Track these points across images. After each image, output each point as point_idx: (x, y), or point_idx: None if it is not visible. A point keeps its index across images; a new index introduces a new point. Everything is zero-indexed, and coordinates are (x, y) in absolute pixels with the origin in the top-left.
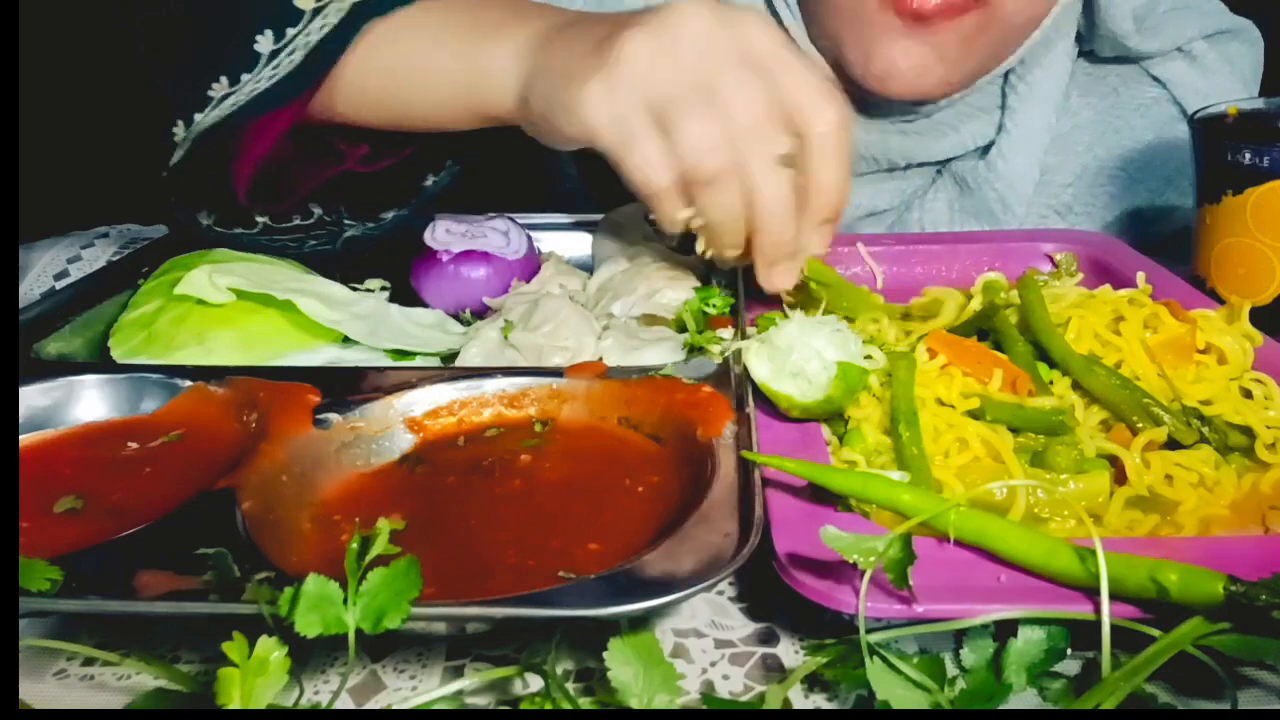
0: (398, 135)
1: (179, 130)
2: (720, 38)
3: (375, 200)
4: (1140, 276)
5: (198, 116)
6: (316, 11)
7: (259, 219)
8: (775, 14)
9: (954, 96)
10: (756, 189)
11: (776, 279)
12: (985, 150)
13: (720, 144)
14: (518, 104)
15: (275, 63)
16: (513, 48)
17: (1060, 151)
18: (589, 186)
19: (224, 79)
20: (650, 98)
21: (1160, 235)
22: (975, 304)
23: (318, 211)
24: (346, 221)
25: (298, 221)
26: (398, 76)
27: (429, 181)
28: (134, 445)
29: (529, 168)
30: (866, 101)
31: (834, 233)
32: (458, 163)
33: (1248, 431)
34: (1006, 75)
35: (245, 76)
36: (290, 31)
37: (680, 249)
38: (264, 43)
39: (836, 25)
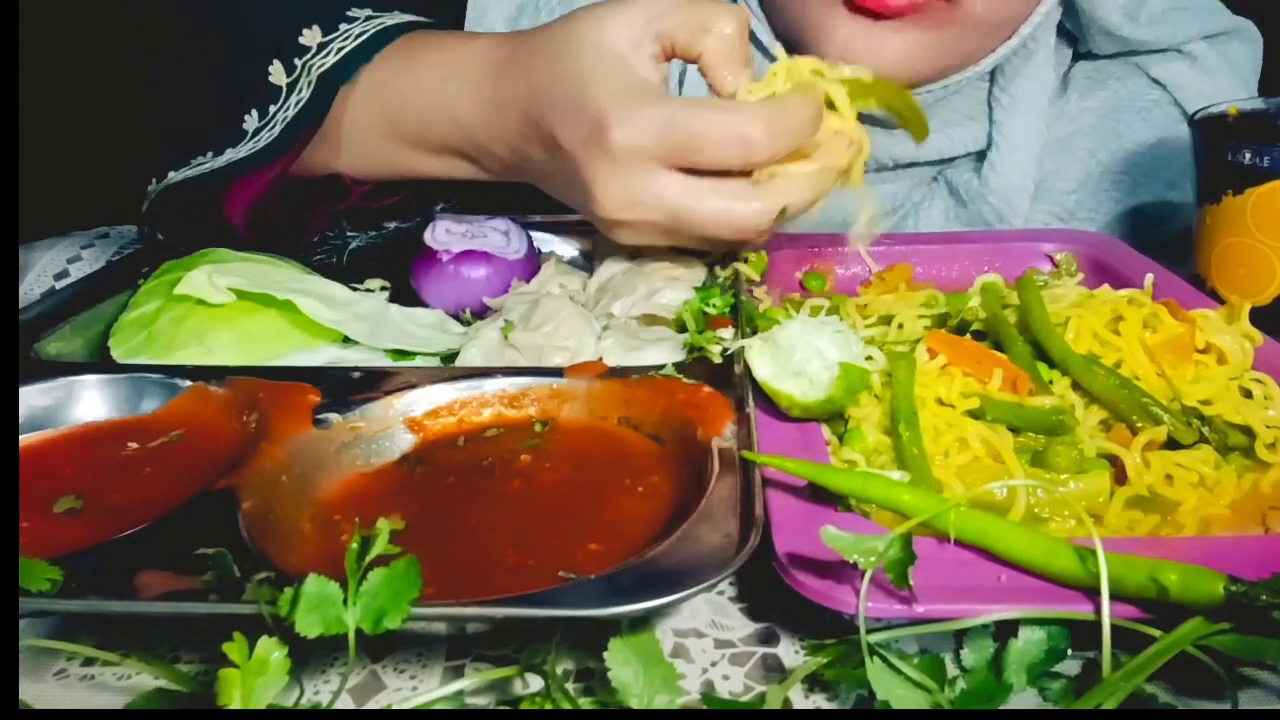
0: None
1: (152, 186)
2: (660, 134)
3: (378, 222)
4: (1148, 279)
5: (172, 174)
6: (291, 87)
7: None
8: None
9: (932, 88)
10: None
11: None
12: (978, 157)
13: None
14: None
15: (256, 138)
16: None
17: (1062, 157)
18: None
19: (210, 154)
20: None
21: (1163, 236)
22: (975, 305)
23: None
24: (349, 234)
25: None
26: (391, 149)
27: (439, 207)
28: (134, 445)
29: None
30: None
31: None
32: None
33: (1248, 431)
34: (990, 86)
35: (230, 151)
36: (272, 109)
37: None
38: (250, 121)
39: (795, 16)
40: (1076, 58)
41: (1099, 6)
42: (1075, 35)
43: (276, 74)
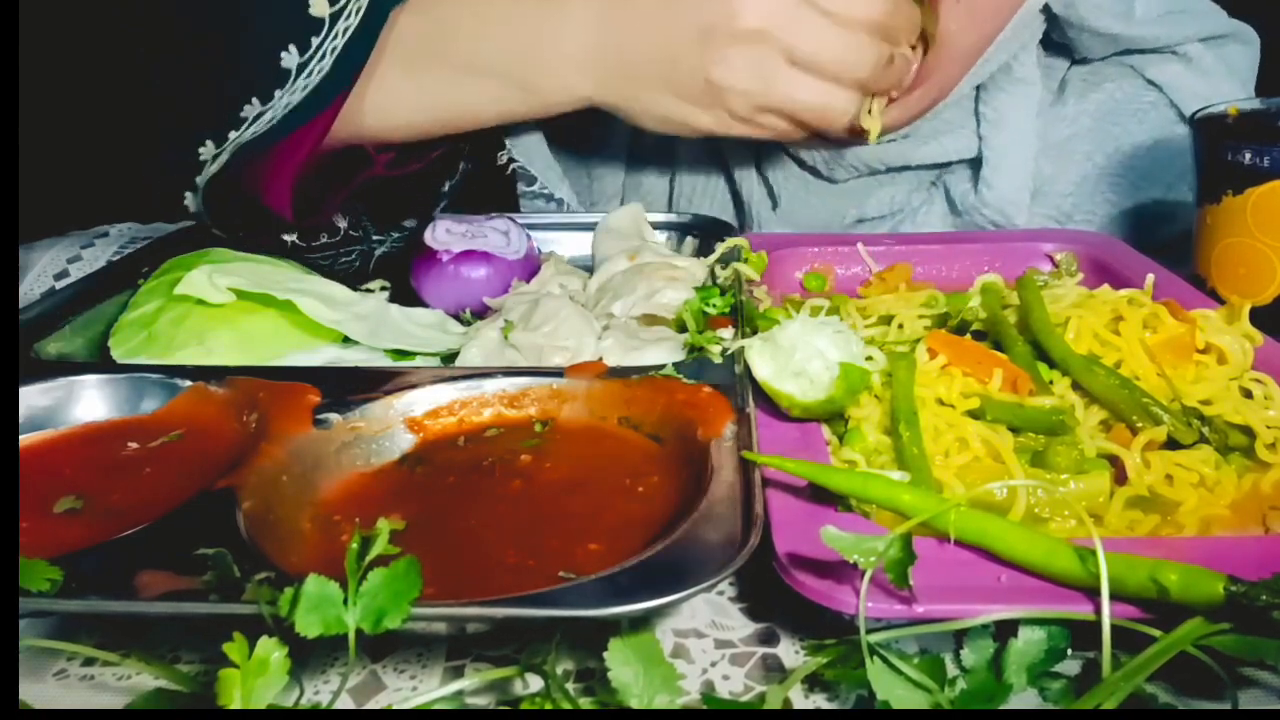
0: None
1: (206, 149)
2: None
3: (397, 207)
4: (1149, 279)
5: (232, 134)
6: (335, 16)
7: (286, 237)
8: None
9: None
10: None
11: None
12: (974, 165)
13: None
14: (584, 96)
15: (307, 72)
16: (575, 39)
17: (1059, 160)
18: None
19: (255, 100)
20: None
21: (1161, 238)
22: (974, 305)
23: (343, 225)
24: (375, 237)
25: (325, 239)
26: (435, 80)
27: (445, 187)
28: (134, 445)
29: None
30: None
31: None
32: (469, 161)
33: (1248, 432)
34: (976, 99)
35: (278, 93)
36: (315, 40)
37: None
38: (289, 59)
39: None
40: (1073, 63)
41: (1083, 15)
42: (1063, 42)
43: (317, 5)
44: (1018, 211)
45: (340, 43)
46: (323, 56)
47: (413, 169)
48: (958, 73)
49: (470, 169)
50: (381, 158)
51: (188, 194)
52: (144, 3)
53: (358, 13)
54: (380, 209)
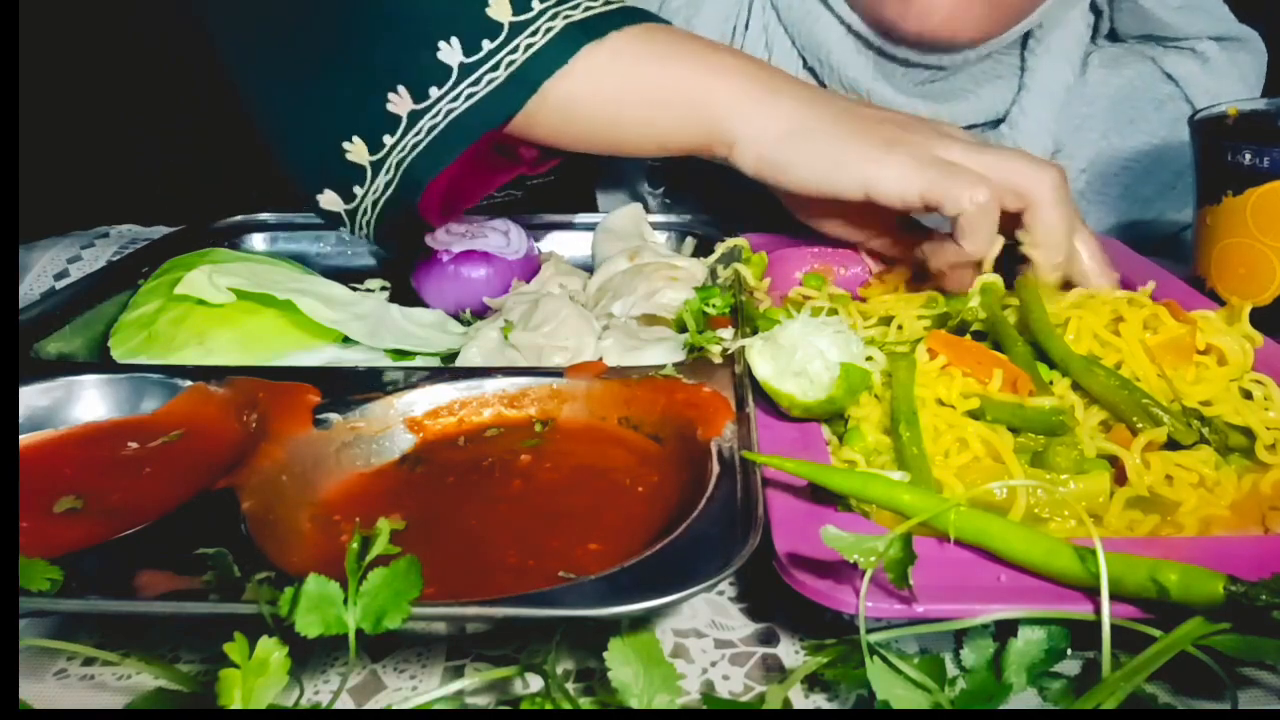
0: None
1: (355, 148)
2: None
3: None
4: (1150, 283)
5: (387, 138)
6: (518, 27)
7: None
8: None
9: (980, 49)
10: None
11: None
12: (1003, 120)
13: (1044, 166)
14: (755, 148)
15: (473, 79)
16: (752, 88)
17: (1077, 130)
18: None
19: (403, 90)
20: (951, 159)
21: (1174, 226)
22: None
23: None
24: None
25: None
26: (611, 106)
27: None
28: (134, 445)
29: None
30: (891, 65)
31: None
32: None
33: (1248, 433)
34: (1025, 41)
35: (434, 91)
36: (487, 45)
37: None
38: (449, 53)
39: None
40: (1096, 43)
41: None
42: (1100, 8)
43: (497, 8)
44: (1046, 139)
45: (520, 58)
46: (495, 67)
47: (554, 164)
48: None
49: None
50: (527, 154)
51: (327, 192)
52: None
53: (548, 32)
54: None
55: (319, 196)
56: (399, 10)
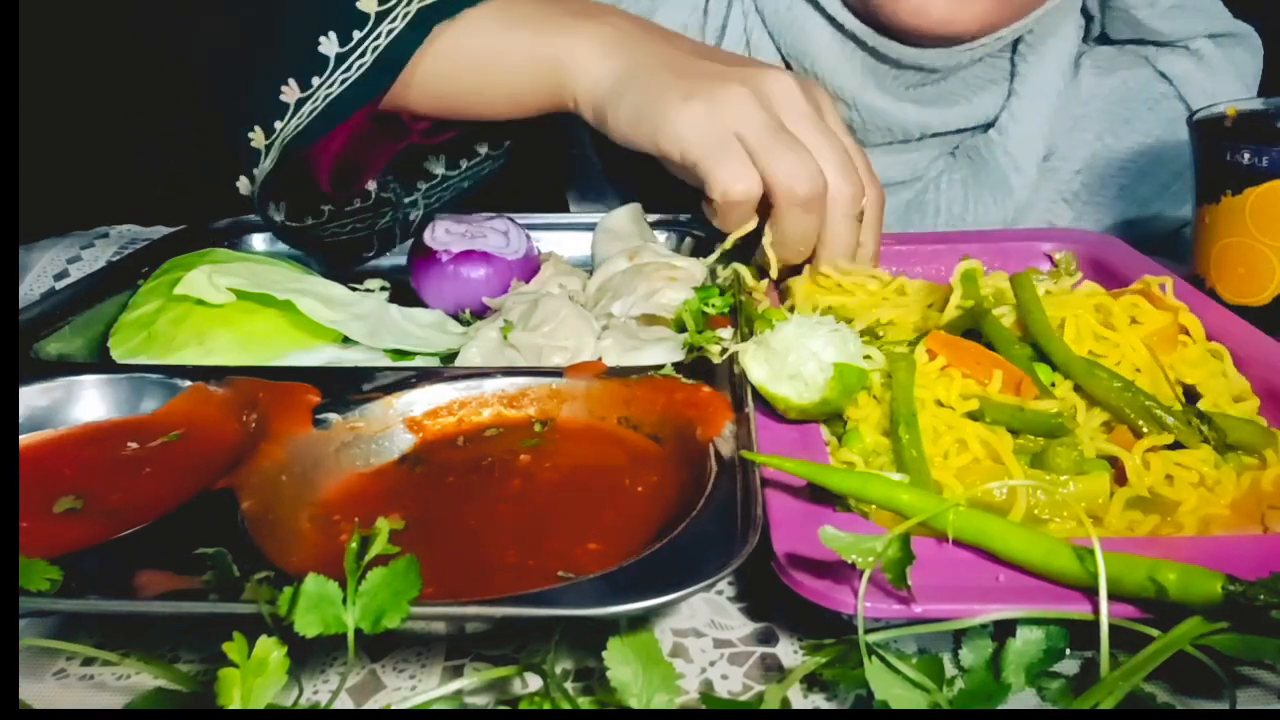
0: None
1: (256, 135)
2: (804, 100)
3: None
4: (1148, 280)
5: (277, 124)
6: (382, 15)
7: (324, 207)
8: None
9: (974, 51)
10: (832, 226)
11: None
12: (993, 125)
13: (816, 174)
14: (590, 100)
15: (345, 66)
16: (592, 45)
17: (1071, 133)
18: (612, 176)
19: (293, 81)
20: (742, 132)
21: (1172, 225)
22: (955, 298)
23: (373, 188)
24: (406, 200)
25: (358, 205)
26: (470, 75)
27: (482, 150)
28: (134, 445)
29: (529, 168)
30: (880, 68)
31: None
32: (502, 145)
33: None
34: (1016, 46)
35: (315, 80)
36: (356, 34)
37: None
38: (328, 45)
39: None
40: (1089, 44)
41: None
42: (1091, 14)
43: (365, 1)
44: (1038, 145)
45: (382, 43)
46: (363, 54)
47: (447, 137)
48: None
49: (507, 157)
50: (417, 126)
51: (242, 179)
52: None
53: (404, 17)
54: (408, 175)
55: (237, 184)
56: (293, 11)
